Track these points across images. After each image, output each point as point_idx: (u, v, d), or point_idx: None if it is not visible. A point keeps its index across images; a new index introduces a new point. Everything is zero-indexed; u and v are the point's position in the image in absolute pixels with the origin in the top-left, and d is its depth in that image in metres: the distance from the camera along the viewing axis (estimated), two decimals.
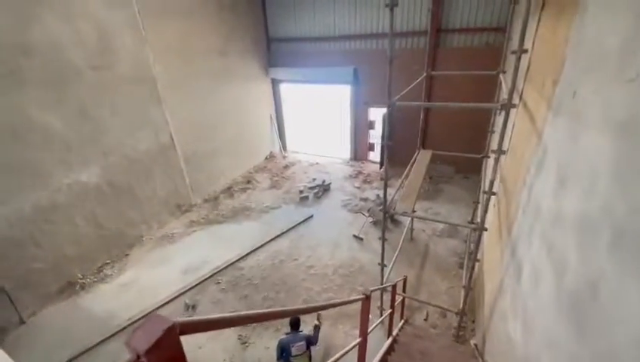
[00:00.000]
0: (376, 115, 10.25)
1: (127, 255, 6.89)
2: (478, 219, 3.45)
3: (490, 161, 5.38)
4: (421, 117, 5.79)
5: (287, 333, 4.06)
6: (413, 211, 6.66)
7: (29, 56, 5.05)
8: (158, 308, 5.44)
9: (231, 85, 9.63)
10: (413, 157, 5.54)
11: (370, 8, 9.10)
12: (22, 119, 5.12)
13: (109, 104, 6.37)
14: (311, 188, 9.17)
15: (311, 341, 3.97)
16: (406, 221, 7.03)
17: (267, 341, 4.82)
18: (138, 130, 7.00)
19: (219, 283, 5.99)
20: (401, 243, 5.91)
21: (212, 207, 8.60)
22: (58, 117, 5.58)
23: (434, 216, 7.77)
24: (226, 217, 8.14)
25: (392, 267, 5.12)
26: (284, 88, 11.68)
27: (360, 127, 10.72)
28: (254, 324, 5.11)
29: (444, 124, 9.31)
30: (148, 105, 7.14)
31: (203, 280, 6.00)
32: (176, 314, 5.32)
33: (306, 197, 8.82)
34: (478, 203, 6.20)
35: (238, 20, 9.44)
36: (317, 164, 11.15)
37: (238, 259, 6.52)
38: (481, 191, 4.29)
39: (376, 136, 10.56)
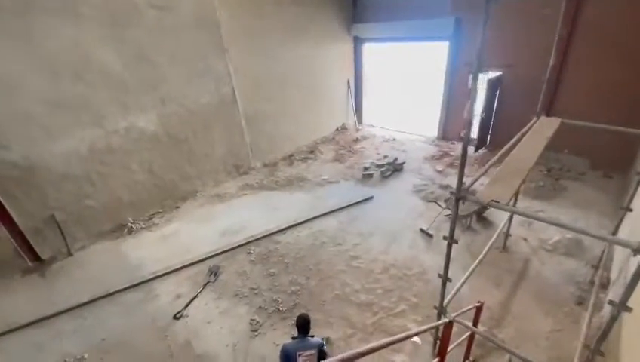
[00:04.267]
0: (482, 82, 7.90)
1: (177, 207, 6.81)
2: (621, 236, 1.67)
3: None
4: (546, 76, 3.72)
5: (293, 337, 3.02)
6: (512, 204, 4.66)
7: None
8: (182, 267, 5.04)
9: (305, 41, 8.63)
10: (527, 127, 3.59)
11: None
12: (80, 56, 5.09)
13: (169, 48, 6.08)
14: (379, 165, 7.69)
15: (324, 353, 2.86)
16: (500, 221, 5.05)
17: (279, 336, 3.87)
18: (198, 79, 6.65)
19: (250, 253, 5.29)
20: (486, 250, 4.10)
21: (269, 173, 7.99)
22: (116, 57, 5.48)
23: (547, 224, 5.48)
24: (280, 185, 7.41)
25: (464, 282, 3.47)
26: (367, 49, 10.12)
27: (455, 98, 8.53)
28: (272, 310, 4.22)
29: (586, 83, 6.46)
30: (210, 54, 6.70)
31: (235, 247, 5.39)
32: (198, 277, 4.83)
33: (370, 175, 7.40)
34: (629, 210, 3.85)
35: None
36: (394, 140, 9.48)
37: (277, 232, 5.70)
38: None
39: (476, 110, 8.24)
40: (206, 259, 5.19)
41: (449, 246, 2.77)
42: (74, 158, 5.42)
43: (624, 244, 1.90)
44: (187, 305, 4.36)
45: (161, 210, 6.65)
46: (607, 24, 5.93)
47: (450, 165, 7.66)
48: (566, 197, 6.11)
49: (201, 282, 4.75)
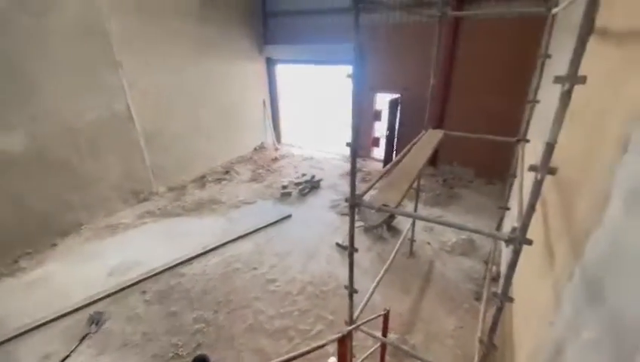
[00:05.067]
0: (384, 103, 8.63)
1: (54, 245, 5.58)
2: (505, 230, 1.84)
3: (532, 145, 3.68)
4: (429, 95, 4.17)
5: None
6: (398, 207, 5.00)
7: None
8: (53, 319, 4.02)
9: (216, 59, 8.31)
10: (417, 138, 3.91)
11: None
12: None
13: (48, 59, 5.15)
14: (297, 183, 7.63)
15: None
16: (405, 228, 5.36)
17: None
18: (84, 94, 5.75)
19: (145, 292, 4.52)
20: (392, 257, 4.24)
21: (175, 198, 7.21)
22: None
23: (444, 228, 6.04)
24: (188, 210, 6.71)
25: (373, 291, 3.46)
26: (280, 70, 10.28)
27: (364, 118, 9.12)
28: (170, 356, 3.58)
29: (467, 104, 7.55)
30: (98, 67, 5.88)
31: (124, 288, 4.55)
32: (75, 329, 3.89)
33: (289, 194, 7.27)
34: (507, 209, 4.45)
35: None
36: (311, 158, 9.61)
37: (180, 263, 5.04)
38: (519, 182, 2.65)
39: (382, 128, 8.93)
40: (86, 306, 4.24)
41: (350, 256, 2.71)
42: None
43: (496, 236, 2.06)
44: None
45: (30, 250, 5.34)
46: (477, 56, 7.10)
47: (363, 180, 8.03)
48: (459, 203, 6.88)
49: (78, 335, 3.83)
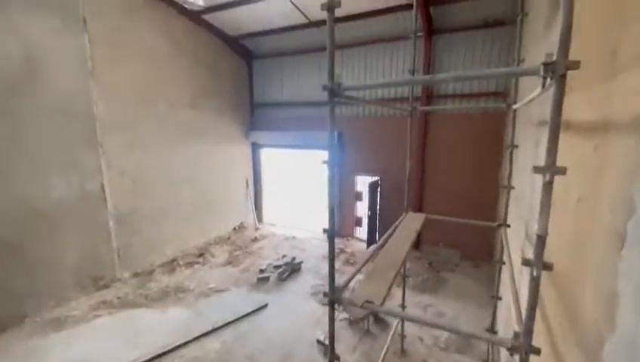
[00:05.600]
0: (364, 185, 8.82)
1: None
2: (499, 327, 1.59)
3: (514, 230, 3.60)
4: (406, 178, 4.26)
5: None
6: (401, 302, 4.55)
7: None
8: None
9: (201, 141, 8.55)
10: (398, 221, 3.80)
11: (356, 72, 8.57)
12: None
13: (19, 137, 5.06)
14: (276, 266, 7.12)
15: None
16: (394, 322, 4.83)
17: None
18: (55, 173, 5.54)
19: None
20: (381, 358, 3.67)
21: (139, 284, 6.47)
22: None
23: (436, 316, 5.54)
24: (151, 299, 5.95)
25: None
26: (265, 153, 10.64)
27: (345, 199, 9.19)
28: None
29: (443, 186, 7.76)
30: (77, 146, 5.83)
31: None
32: None
33: (266, 279, 6.70)
34: (499, 298, 4.14)
35: (216, 79, 8.91)
36: (293, 238, 9.26)
37: None
38: (508, 270, 2.45)
39: (363, 209, 8.94)
40: None
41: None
42: None
43: (498, 343, 1.76)
44: None
45: None
46: (447, 143, 7.64)
47: (347, 262, 7.62)
48: (447, 289, 6.48)
49: None
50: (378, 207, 8.47)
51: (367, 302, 2.05)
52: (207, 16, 8.05)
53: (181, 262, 7.46)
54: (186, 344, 4.70)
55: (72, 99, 5.73)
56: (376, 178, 8.46)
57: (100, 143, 6.17)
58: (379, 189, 8.42)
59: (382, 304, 2.03)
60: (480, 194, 7.33)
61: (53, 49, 5.40)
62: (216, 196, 9.16)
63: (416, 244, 8.07)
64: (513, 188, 3.75)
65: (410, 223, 3.69)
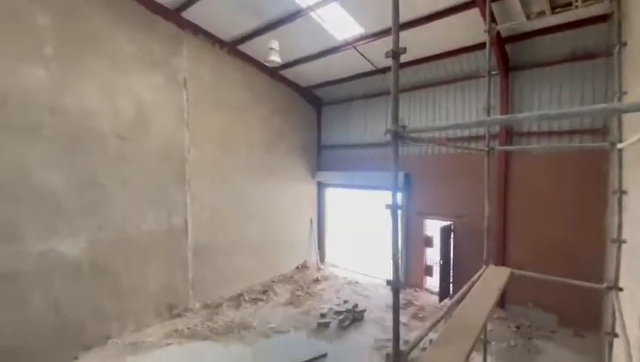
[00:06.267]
0: (435, 229, 8.17)
1: (75, 358, 5.25)
2: None
3: (628, 294, 2.88)
4: (485, 224, 3.80)
5: None
6: None
7: (55, 115, 5.19)
8: None
9: (272, 181, 9.12)
10: (476, 275, 3.32)
11: (424, 112, 8.40)
12: (19, 172, 4.87)
13: (125, 175, 6.06)
14: (337, 312, 6.80)
15: None
16: None
17: None
18: (149, 206, 6.40)
19: None
20: None
21: (208, 316, 6.78)
22: (61, 178, 5.29)
23: None
24: (216, 333, 6.14)
25: None
26: (330, 193, 10.79)
27: (413, 244, 8.59)
28: None
29: (531, 236, 6.69)
30: (169, 183, 6.72)
31: None
32: None
33: (327, 325, 6.41)
34: None
35: (289, 124, 9.64)
36: (356, 283, 8.85)
37: None
38: (624, 347, 1.88)
39: (434, 256, 8.20)
40: None
41: None
42: None
43: None
44: None
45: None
46: (533, 186, 6.73)
47: (415, 316, 6.90)
48: (541, 361, 5.30)
49: None
50: (452, 256, 7.68)
51: None
52: (283, 72, 8.98)
53: (247, 298, 7.66)
54: None
55: (170, 145, 6.73)
56: (448, 222, 7.79)
57: (187, 181, 7.01)
58: (452, 235, 7.69)
59: None
60: (578, 247, 6.13)
61: (158, 104, 6.53)
62: (282, 234, 9.46)
63: (501, 302, 6.96)
64: (625, 242, 3.04)
65: (492, 278, 3.21)
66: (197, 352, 5.57)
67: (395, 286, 1.90)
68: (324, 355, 5.45)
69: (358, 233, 10.72)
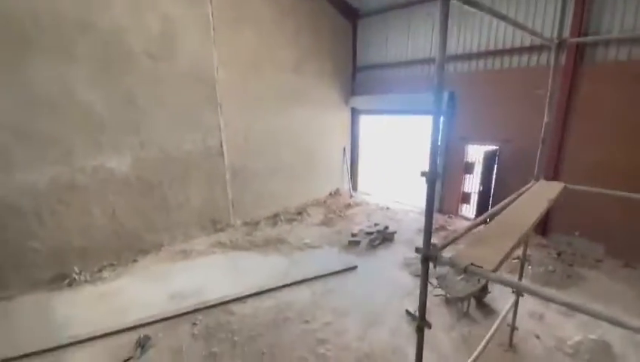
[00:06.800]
0: (476, 155, 7.63)
1: (135, 261, 6.03)
2: None
3: None
4: (541, 135, 3.30)
5: None
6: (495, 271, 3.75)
7: (86, 33, 5.10)
8: (107, 334, 4.07)
9: (304, 106, 8.79)
10: (524, 189, 3.02)
11: (474, 24, 7.18)
12: (63, 92, 5.04)
13: (159, 96, 6.08)
14: (368, 233, 6.96)
15: None
16: (503, 309, 4.10)
17: None
18: (185, 128, 6.52)
19: (195, 324, 4.32)
20: (482, 346, 3.15)
21: (247, 232, 7.31)
22: (101, 98, 5.42)
23: (563, 317, 4.46)
24: (255, 246, 6.65)
25: None
26: (364, 120, 10.29)
27: (451, 171, 8.17)
28: None
29: (594, 160, 5.98)
30: (201, 106, 6.70)
31: (178, 315, 4.44)
32: (123, 350, 3.83)
33: (357, 243, 6.63)
34: None
35: (319, 43, 8.83)
36: (387, 209, 8.89)
37: (235, 300, 4.78)
38: None
39: (473, 184, 7.81)
40: (139, 326, 4.22)
41: (419, 331, 1.96)
42: (28, 193, 4.95)
43: None
44: None
45: (115, 262, 5.86)
46: (608, 101, 5.75)
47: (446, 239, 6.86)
48: (582, 287, 5.14)
49: (122, 357, 3.74)
50: (493, 183, 7.24)
51: (472, 264, 1.64)
52: None
53: (282, 218, 8.07)
54: (280, 288, 5.08)
55: (199, 65, 6.52)
56: (493, 147, 7.18)
57: (219, 104, 6.95)
58: (496, 160, 7.14)
59: (495, 270, 1.58)
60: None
61: (183, 19, 6.15)
62: (315, 161, 9.44)
63: (542, 230, 6.64)
64: None
65: (542, 190, 2.90)
66: (239, 259, 6.14)
67: (432, 177, 1.70)
68: (355, 267, 5.73)
69: (393, 162, 10.44)
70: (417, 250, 1.82)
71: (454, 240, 2.02)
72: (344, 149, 10.28)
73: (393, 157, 10.49)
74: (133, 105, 5.81)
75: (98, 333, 4.05)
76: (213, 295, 4.87)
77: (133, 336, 4.03)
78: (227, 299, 4.76)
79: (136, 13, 5.59)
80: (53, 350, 3.84)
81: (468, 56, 7.45)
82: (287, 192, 8.82)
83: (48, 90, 4.90)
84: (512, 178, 6.82)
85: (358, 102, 9.88)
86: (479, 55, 7.29)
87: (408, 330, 4.23)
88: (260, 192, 8.15)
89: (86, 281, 5.34)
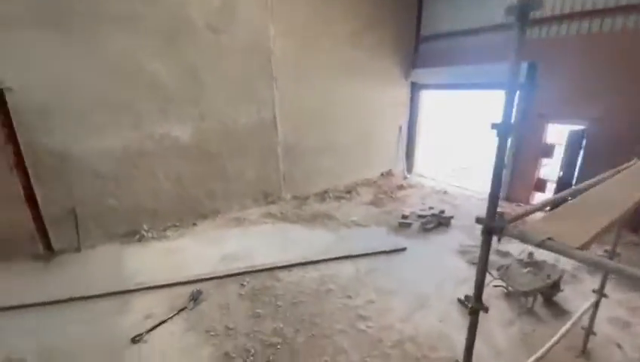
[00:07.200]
0: (558, 136, 6.60)
1: (194, 224, 6.52)
2: None
3: None
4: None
5: None
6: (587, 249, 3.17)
7: (153, 4, 5.40)
8: (166, 285, 4.48)
9: (359, 82, 8.43)
10: (622, 167, 2.44)
11: None
12: (133, 64, 5.43)
13: (218, 68, 6.27)
14: (421, 216, 6.56)
15: None
16: (576, 310, 3.53)
17: None
18: (241, 101, 6.70)
19: (243, 285, 4.52)
20: (548, 347, 2.74)
21: (297, 206, 7.41)
22: (166, 69, 5.74)
23: None
24: (303, 219, 6.72)
25: None
26: (425, 96, 9.54)
27: (525, 154, 7.21)
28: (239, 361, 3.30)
29: None
30: (257, 79, 6.79)
31: (229, 275, 4.70)
32: (179, 300, 4.18)
33: (408, 225, 6.29)
34: None
35: (379, 12, 8.25)
36: (444, 193, 8.26)
37: (280, 267, 4.89)
38: None
39: (552, 169, 6.81)
40: (194, 281, 4.56)
41: (474, 314, 1.71)
42: (107, 156, 5.56)
43: None
44: (151, 330, 3.68)
45: (177, 224, 6.40)
46: None
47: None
48: None
49: (178, 306, 4.08)
50: (577, 168, 6.22)
51: (548, 239, 1.32)
52: None
53: (331, 195, 8.02)
54: (325, 261, 5.06)
55: (255, 37, 6.56)
56: (579, 127, 6.11)
57: (275, 78, 6.97)
58: (583, 142, 6.09)
59: (584, 248, 1.25)
60: None
61: None
62: (367, 139, 9.10)
63: (635, 226, 5.56)
64: None
65: None
66: (287, 230, 6.28)
67: (505, 130, 1.39)
68: (403, 249, 5.45)
69: (455, 142, 9.61)
70: (479, 220, 1.54)
71: (527, 214, 1.68)
72: (400, 127, 9.73)
73: (456, 137, 9.63)
74: (194, 76, 6.09)
75: (159, 283, 4.48)
76: (262, 260, 5.05)
77: (188, 289, 4.36)
78: (274, 265, 4.89)
79: None
80: (123, 293, 4.34)
81: (556, 19, 6.32)
82: (338, 170, 8.69)
83: (120, 61, 5.31)
84: (602, 164, 5.76)
85: (420, 75, 9.15)
86: (571, 16, 6.13)
87: (459, 319, 3.90)
88: (311, 168, 8.15)
89: (153, 238, 5.93)
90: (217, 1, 5.98)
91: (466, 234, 6.04)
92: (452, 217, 6.52)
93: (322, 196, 7.98)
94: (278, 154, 7.52)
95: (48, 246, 5.36)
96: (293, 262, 5.00)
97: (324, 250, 5.43)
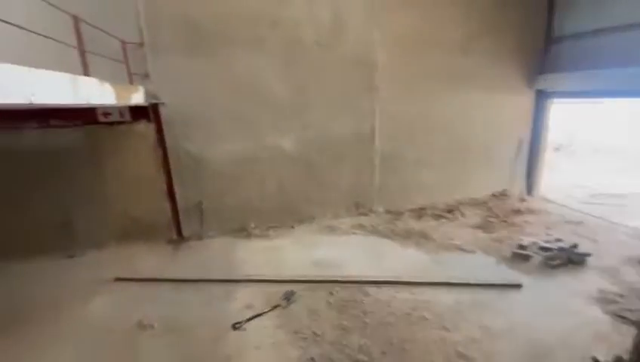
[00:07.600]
0: None
1: (292, 227, 6.97)
2: None
3: None
4: None
5: None
6: None
7: (273, 28, 6.08)
8: (267, 281, 4.87)
9: (470, 92, 7.60)
10: None
11: None
12: (253, 80, 6.22)
13: (322, 81, 6.62)
14: (544, 248, 5.45)
15: None
16: None
17: None
18: (340, 110, 6.89)
19: (332, 294, 4.55)
20: None
21: (389, 220, 7.13)
22: (280, 84, 6.39)
23: None
24: (395, 235, 6.41)
25: None
26: (556, 105, 8.02)
27: None
28: None
29: None
30: (358, 90, 6.89)
31: (321, 281, 4.80)
32: (274, 296, 4.48)
33: (526, 258, 5.28)
34: None
35: (498, 12, 7.31)
36: (580, 223, 6.68)
37: (371, 282, 4.74)
38: None
39: None
40: (289, 281, 4.82)
41: None
42: (229, 161, 6.49)
43: None
44: (249, 319, 4.05)
45: (278, 225, 6.94)
46: None
47: None
48: None
49: (272, 302, 4.38)
50: None
51: None
52: None
53: (429, 213, 7.45)
54: (419, 284, 4.68)
55: (359, 49, 6.67)
56: None
57: (376, 88, 6.95)
58: None
59: None
60: None
61: (349, 4, 6.38)
62: (476, 153, 8.13)
63: None
64: None
65: None
66: (378, 245, 6.09)
67: None
68: (519, 285, 4.60)
69: (595, 159, 7.78)
70: None
71: None
72: (520, 141, 8.39)
73: (596, 154, 7.78)
74: (302, 91, 6.58)
75: (261, 278, 4.91)
76: (351, 271, 5.02)
77: (282, 288, 4.65)
78: (364, 279, 4.78)
79: (310, 4, 6.19)
80: (230, 281, 4.92)
81: None
82: (438, 185, 8.02)
83: (243, 78, 6.16)
84: None
85: (551, 81, 7.73)
86: None
87: None
88: (408, 182, 7.77)
89: (257, 236, 6.59)
90: (326, 17, 6.35)
91: (607, 279, 4.73)
92: (589, 254, 5.20)
93: (419, 213, 7.47)
94: (375, 165, 7.42)
95: (179, 233, 6.53)
96: (383, 278, 4.80)
97: (417, 271, 5.04)
